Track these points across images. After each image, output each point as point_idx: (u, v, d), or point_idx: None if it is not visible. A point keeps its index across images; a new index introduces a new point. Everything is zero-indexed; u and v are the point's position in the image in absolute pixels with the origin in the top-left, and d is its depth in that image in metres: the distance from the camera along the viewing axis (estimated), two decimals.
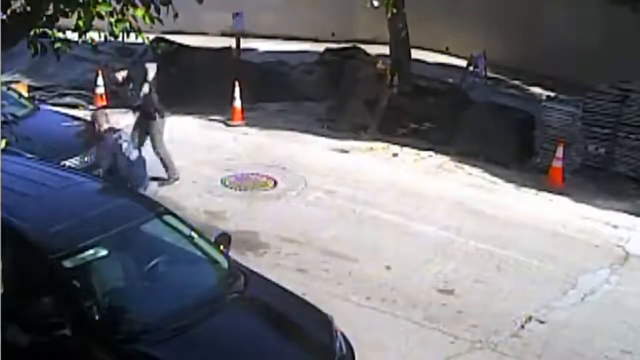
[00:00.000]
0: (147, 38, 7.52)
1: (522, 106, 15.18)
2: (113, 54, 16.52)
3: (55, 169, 8.28)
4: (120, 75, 12.96)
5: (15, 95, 13.29)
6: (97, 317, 6.47)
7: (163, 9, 7.03)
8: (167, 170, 12.48)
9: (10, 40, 6.84)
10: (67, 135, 12.15)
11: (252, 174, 12.98)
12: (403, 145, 14.44)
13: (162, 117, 12.52)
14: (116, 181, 10.17)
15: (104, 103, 16.27)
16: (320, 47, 18.64)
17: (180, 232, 7.62)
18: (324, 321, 7.26)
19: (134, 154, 11.17)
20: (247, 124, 15.41)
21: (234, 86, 15.36)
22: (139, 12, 6.92)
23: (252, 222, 11.19)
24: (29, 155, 10.37)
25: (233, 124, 15.39)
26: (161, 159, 12.46)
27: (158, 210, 7.69)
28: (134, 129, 12.47)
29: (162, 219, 7.60)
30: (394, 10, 14.38)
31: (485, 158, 13.72)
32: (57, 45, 7.20)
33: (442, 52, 19.77)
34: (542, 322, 9.05)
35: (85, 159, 11.50)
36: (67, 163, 10.95)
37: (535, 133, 13.96)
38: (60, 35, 7.23)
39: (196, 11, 8.37)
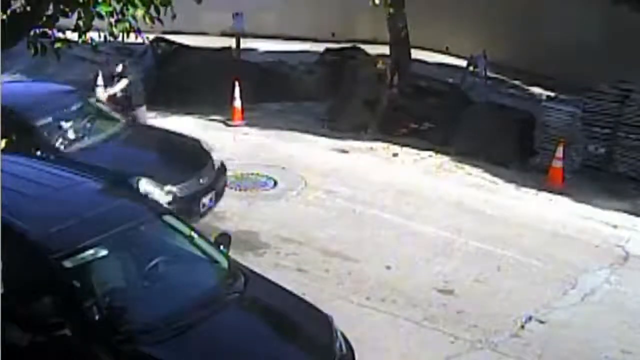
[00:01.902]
0: (147, 38, 7.52)
1: (522, 106, 15.20)
2: (113, 54, 16.54)
3: (55, 168, 8.26)
4: (118, 69, 13.12)
5: (106, 108, 12.14)
6: (97, 317, 6.47)
7: (163, 9, 7.04)
8: None
9: (10, 40, 6.84)
10: (173, 154, 11.28)
11: (252, 174, 12.98)
12: (403, 145, 14.44)
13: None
14: None
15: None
16: (320, 47, 18.64)
17: (180, 232, 7.62)
18: (324, 321, 7.26)
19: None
20: (247, 124, 15.41)
21: (234, 86, 15.36)
22: (139, 12, 6.93)
23: (252, 222, 11.19)
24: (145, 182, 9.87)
25: (233, 124, 15.39)
26: None
27: (158, 210, 7.69)
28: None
29: (162, 219, 7.61)
30: (391, 11, 14.39)
31: (485, 158, 13.72)
32: (57, 45, 7.20)
33: (442, 52, 19.79)
34: (542, 322, 9.05)
35: (201, 180, 10.64)
36: (176, 188, 10.18)
37: (535, 133, 13.97)
38: (60, 35, 7.23)
39: (196, 11, 8.38)
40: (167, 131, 12.25)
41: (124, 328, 6.47)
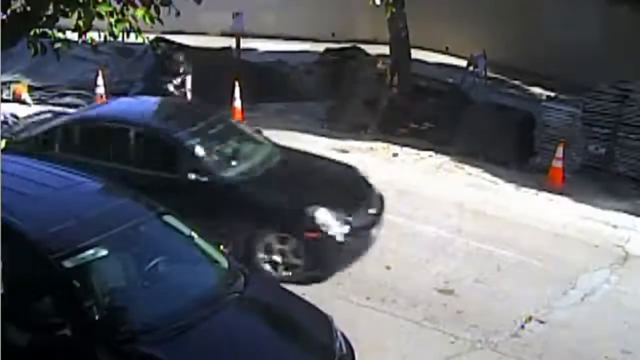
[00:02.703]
0: (147, 38, 7.52)
1: (522, 106, 15.20)
2: (113, 54, 16.55)
3: (55, 168, 8.26)
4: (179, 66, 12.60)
5: (247, 129, 11.23)
6: (97, 317, 6.48)
7: (163, 9, 7.03)
8: None
9: (10, 40, 6.84)
10: (336, 181, 10.36)
11: None
12: (403, 145, 14.43)
13: None
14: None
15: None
16: (320, 47, 18.63)
17: (180, 232, 7.62)
18: (324, 321, 7.27)
19: None
20: (247, 124, 15.37)
21: (233, 86, 15.35)
22: (139, 12, 6.92)
23: None
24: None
25: None
26: None
27: (158, 210, 7.69)
28: None
29: (162, 219, 7.61)
30: (393, 10, 14.39)
31: (485, 158, 13.72)
32: (57, 45, 7.20)
33: (442, 52, 19.79)
34: (542, 322, 9.06)
35: (370, 210, 9.92)
36: (351, 218, 9.46)
37: (535, 133, 13.97)
38: (60, 35, 7.22)
39: (196, 11, 8.36)
40: (317, 156, 11.45)
41: (124, 328, 6.48)
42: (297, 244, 9.26)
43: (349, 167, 10.97)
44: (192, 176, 9.62)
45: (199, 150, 9.93)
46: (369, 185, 10.47)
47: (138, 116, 10.65)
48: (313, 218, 9.35)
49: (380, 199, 10.36)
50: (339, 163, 11.18)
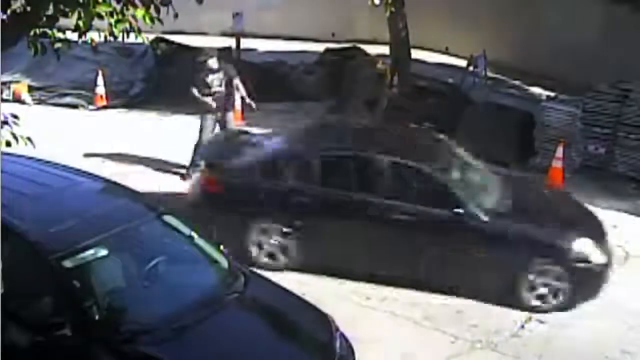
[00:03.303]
0: (147, 38, 7.51)
1: (522, 106, 15.19)
2: (113, 54, 16.56)
3: (55, 168, 8.26)
4: (212, 63, 12.53)
5: (463, 155, 10.66)
6: (97, 317, 6.48)
7: (163, 9, 7.03)
8: None
9: (10, 40, 6.83)
10: (572, 210, 10.26)
11: None
12: None
13: None
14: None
15: (104, 103, 16.30)
16: (320, 47, 18.63)
17: (180, 232, 7.62)
18: (324, 321, 7.27)
19: None
20: (247, 124, 15.38)
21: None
22: (139, 12, 6.92)
23: None
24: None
25: None
26: None
27: (158, 210, 7.69)
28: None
29: (162, 219, 7.61)
30: (392, 10, 14.40)
31: (485, 158, 13.67)
32: (57, 45, 7.19)
33: (442, 52, 19.80)
34: (542, 322, 9.06)
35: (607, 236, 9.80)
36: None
37: (535, 133, 13.96)
38: (60, 35, 7.22)
39: (196, 11, 8.37)
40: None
41: (124, 328, 6.48)
42: (563, 275, 9.17)
43: (565, 192, 11.23)
44: (459, 211, 9.33)
45: (458, 185, 9.72)
46: (587, 209, 10.46)
47: (371, 145, 10.18)
48: (581, 249, 9.31)
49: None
50: (557, 190, 11.41)
